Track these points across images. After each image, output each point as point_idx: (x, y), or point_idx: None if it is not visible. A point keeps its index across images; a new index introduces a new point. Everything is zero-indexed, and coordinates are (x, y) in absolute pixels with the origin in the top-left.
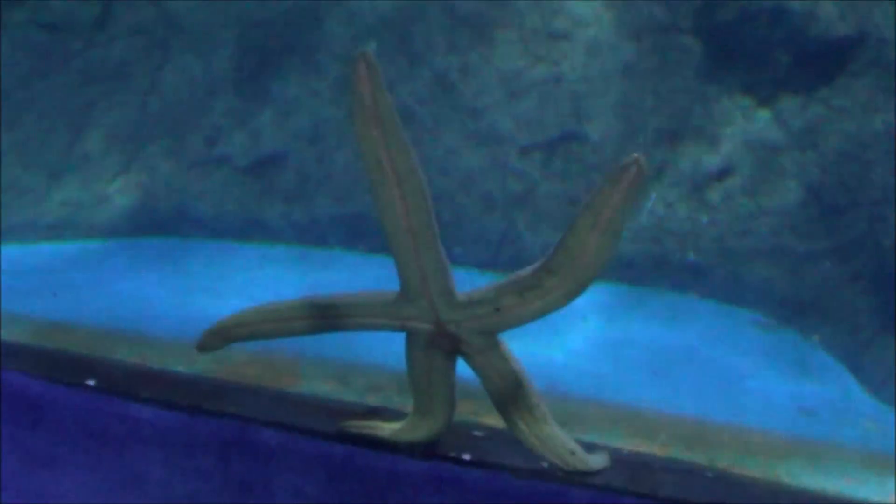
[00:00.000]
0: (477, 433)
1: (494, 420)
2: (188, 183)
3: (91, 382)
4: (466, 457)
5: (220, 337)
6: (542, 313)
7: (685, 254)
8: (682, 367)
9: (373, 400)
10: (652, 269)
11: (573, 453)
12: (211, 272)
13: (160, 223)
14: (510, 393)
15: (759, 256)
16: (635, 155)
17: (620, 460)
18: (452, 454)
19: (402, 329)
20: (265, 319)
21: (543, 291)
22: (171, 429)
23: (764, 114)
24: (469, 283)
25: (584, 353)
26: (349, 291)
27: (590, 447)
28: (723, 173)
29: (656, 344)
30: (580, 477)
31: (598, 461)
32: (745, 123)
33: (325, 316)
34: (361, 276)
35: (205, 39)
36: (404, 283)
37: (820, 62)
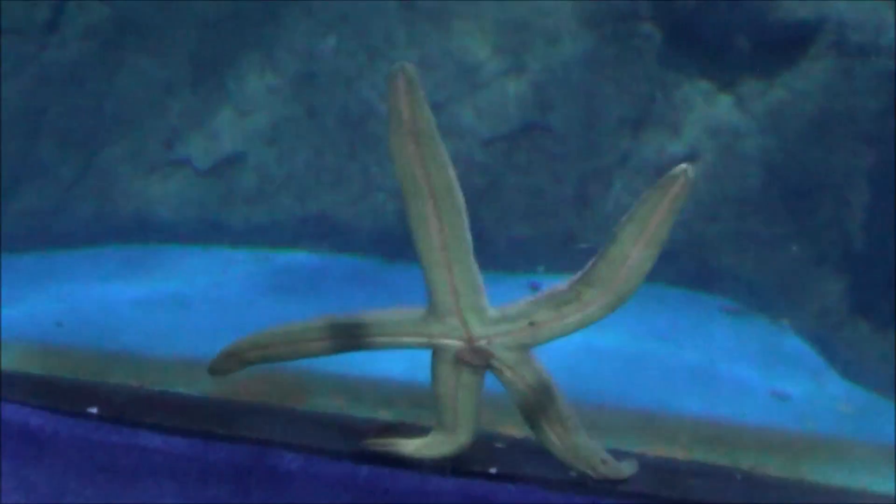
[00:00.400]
0: (499, 445)
1: (514, 429)
2: (147, 187)
3: (93, 410)
4: (493, 470)
5: (234, 360)
6: (579, 327)
7: None
8: (653, 357)
9: (386, 414)
10: None
11: (605, 462)
12: (175, 278)
13: (120, 230)
14: (540, 405)
15: (726, 242)
16: (683, 165)
17: (647, 466)
18: (478, 468)
19: (429, 346)
20: (282, 341)
21: (582, 305)
22: (183, 457)
23: (726, 99)
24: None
25: (553, 346)
26: (372, 309)
27: (617, 454)
28: (686, 160)
29: (626, 334)
30: (611, 485)
31: (627, 468)
32: (707, 109)
33: (348, 335)
34: (327, 276)
35: (160, 39)
36: (434, 300)
37: (780, 46)
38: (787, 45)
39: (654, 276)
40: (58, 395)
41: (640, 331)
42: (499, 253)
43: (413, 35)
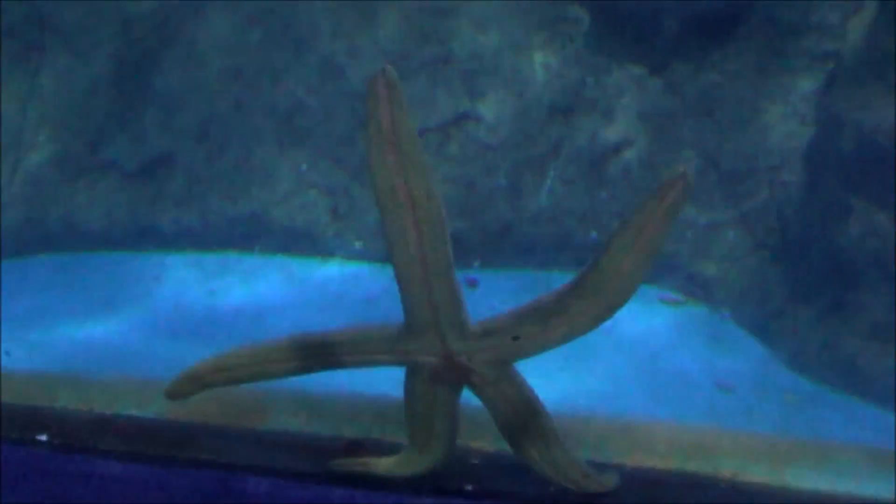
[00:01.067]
0: (473, 461)
1: (486, 444)
2: (75, 192)
3: (43, 437)
4: (469, 487)
5: (194, 383)
6: (566, 340)
7: (587, 232)
8: (595, 350)
9: (349, 431)
10: (555, 251)
11: (587, 476)
12: (107, 287)
13: (49, 238)
14: (521, 421)
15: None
16: (681, 169)
17: (627, 476)
18: (454, 486)
19: (404, 364)
20: (247, 363)
21: (569, 317)
22: (144, 485)
23: (657, 83)
24: (372, 279)
25: None
26: (341, 327)
27: (598, 466)
28: (619, 146)
29: None
30: (594, 499)
31: (609, 481)
32: (638, 93)
33: (317, 355)
34: (260, 280)
35: (82, 38)
36: (411, 317)
37: (710, 27)
38: (717, 25)
39: None
40: (2, 422)
41: None
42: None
43: (339, 26)
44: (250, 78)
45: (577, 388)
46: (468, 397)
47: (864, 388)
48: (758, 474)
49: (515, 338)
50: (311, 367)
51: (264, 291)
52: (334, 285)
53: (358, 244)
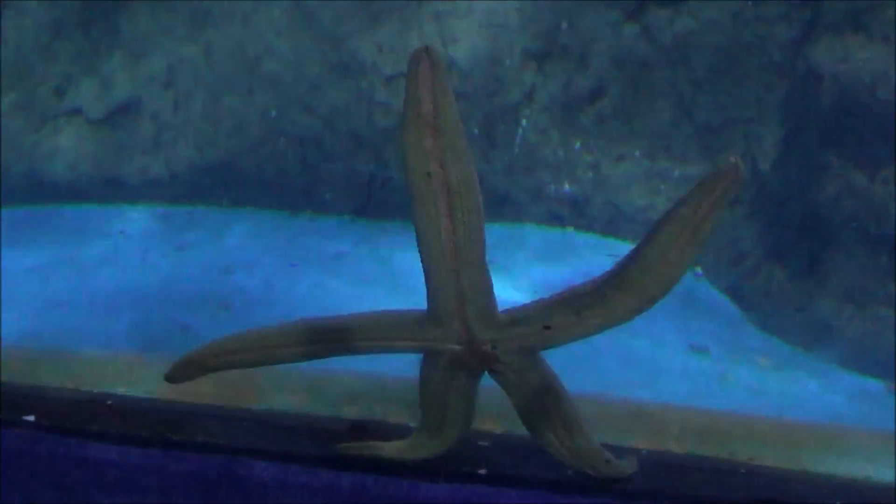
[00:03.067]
0: (482, 443)
1: (494, 425)
2: (40, 142)
3: (31, 418)
4: (482, 472)
5: (195, 367)
6: (600, 330)
7: (561, 184)
8: None
9: (351, 411)
10: (528, 204)
11: (608, 462)
12: (71, 242)
13: (12, 190)
14: (544, 409)
15: (635, 183)
16: (732, 159)
17: (646, 462)
18: (467, 470)
19: (424, 351)
20: (251, 348)
21: (607, 309)
22: (141, 470)
23: (632, 28)
24: (342, 232)
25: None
26: (357, 313)
27: (615, 450)
28: (594, 95)
29: (538, 285)
30: (616, 484)
31: (629, 466)
32: (613, 40)
33: (329, 341)
34: (230, 233)
35: None
36: (435, 304)
37: None
38: None
39: (563, 222)
40: None
41: (551, 280)
42: (405, 198)
43: None
44: (219, 21)
45: (550, 353)
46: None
47: (838, 352)
48: (774, 459)
49: (546, 327)
50: (323, 352)
51: (233, 245)
52: (304, 239)
53: (328, 195)
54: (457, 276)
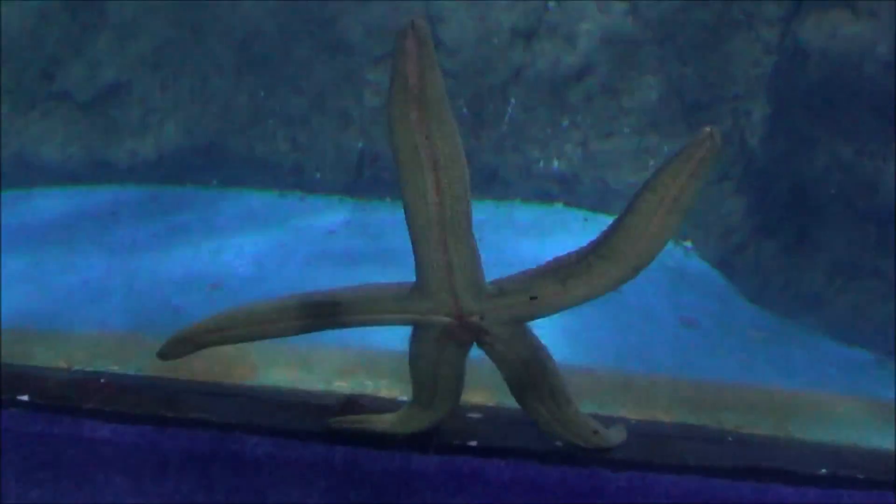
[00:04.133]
0: (473, 415)
1: (482, 397)
2: (29, 125)
3: (24, 398)
4: (473, 443)
5: (188, 344)
6: (585, 300)
7: (549, 161)
8: None
9: (343, 386)
10: (517, 181)
11: (595, 432)
12: (61, 224)
13: (1, 174)
14: (532, 380)
15: (624, 159)
16: (708, 128)
17: (634, 431)
18: (458, 442)
19: (413, 323)
20: (243, 323)
21: (591, 277)
22: (135, 447)
23: (620, 6)
24: (331, 210)
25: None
26: (348, 286)
27: (603, 420)
28: (581, 73)
29: (528, 261)
30: (603, 454)
31: (617, 436)
32: (600, 18)
33: (320, 315)
34: (220, 213)
35: None
36: (424, 277)
37: None
38: None
39: (552, 198)
40: None
41: (541, 256)
42: (395, 177)
43: None
44: (206, 2)
45: (542, 324)
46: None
47: (828, 324)
48: (761, 426)
49: (532, 297)
50: (315, 326)
51: (223, 226)
52: (294, 218)
53: (318, 175)
54: (444, 247)
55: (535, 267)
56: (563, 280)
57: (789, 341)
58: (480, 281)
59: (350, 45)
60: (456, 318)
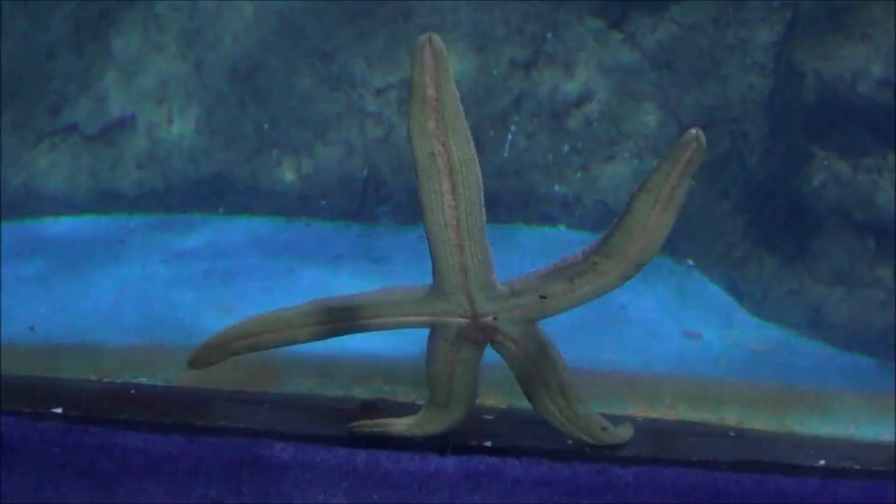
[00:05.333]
0: (487, 417)
1: (496, 399)
2: (36, 158)
3: (58, 410)
4: (488, 444)
5: (218, 351)
6: (593, 297)
7: (551, 186)
8: None
9: (361, 392)
10: (519, 206)
11: (604, 429)
12: (71, 253)
13: (11, 204)
14: (542, 377)
15: (624, 182)
16: (693, 131)
17: (640, 429)
18: (474, 443)
19: (430, 325)
20: (271, 329)
21: (597, 275)
22: (166, 455)
23: (616, 36)
24: (338, 236)
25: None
26: (366, 291)
27: (611, 419)
28: (581, 100)
29: None
30: (612, 451)
31: (625, 433)
32: (598, 47)
33: (342, 319)
34: (226, 238)
35: (38, 1)
36: (441, 279)
37: None
38: None
39: (555, 222)
40: (15, 397)
41: None
42: (399, 204)
43: None
44: (209, 38)
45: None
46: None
47: (829, 334)
48: (761, 422)
49: (542, 297)
50: (336, 330)
51: (231, 252)
52: (301, 245)
53: (323, 202)
54: (460, 250)
55: (543, 268)
56: (570, 279)
57: (792, 351)
58: (493, 282)
59: (352, 78)
60: (470, 318)
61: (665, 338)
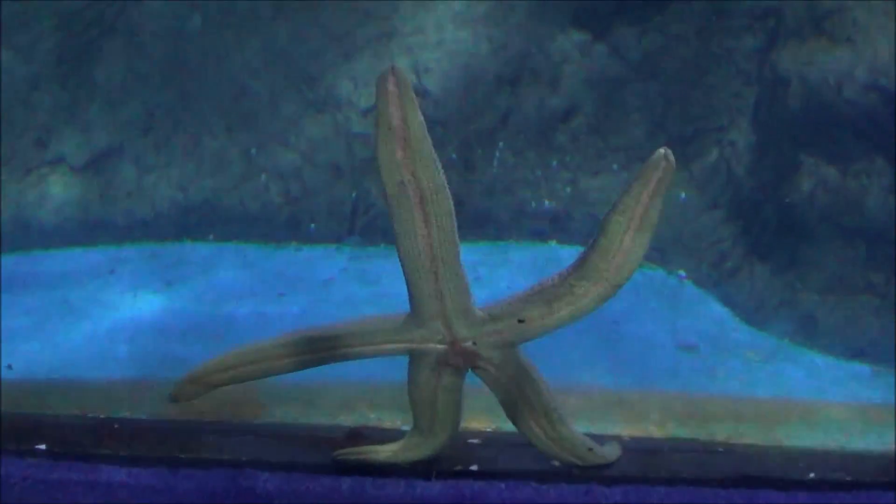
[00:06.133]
0: (473, 441)
1: (482, 423)
2: (25, 190)
3: (42, 447)
4: (474, 468)
5: (198, 385)
6: (572, 320)
7: (541, 201)
8: None
9: (346, 419)
10: (510, 221)
11: (590, 450)
12: (62, 285)
13: (1, 237)
14: (525, 400)
15: (614, 195)
16: (662, 150)
17: (628, 448)
18: (460, 468)
19: (409, 353)
20: (250, 361)
21: (574, 298)
22: (151, 489)
23: (601, 48)
24: (327, 260)
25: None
26: (344, 320)
27: (598, 438)
28: (567, 114)
29: None
30: (598, 471)
31: (611, 452)
32: (582, 60)
33: (322, 349)
34: (218, 266)
35: (21, 34)
36: (418, 306)
37: None
38: None
39: (545, 237)
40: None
41: None
42: (388, 225)
43: (280, 7)
44: (193, 65)
45: (540, 359)
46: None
47: (823, 341)
48: (751, 436)
49: (521, 321)
50: (316, 361)
51: (222, 279)
52: (291, 269)
53: (312, 226)
54: (435, 276)
55: (521, 291)
56: (548, 302)
57: (787, 359)
58: (471, 308)
59: (337, 100)
60: (450, 344)
61: (660, 350)
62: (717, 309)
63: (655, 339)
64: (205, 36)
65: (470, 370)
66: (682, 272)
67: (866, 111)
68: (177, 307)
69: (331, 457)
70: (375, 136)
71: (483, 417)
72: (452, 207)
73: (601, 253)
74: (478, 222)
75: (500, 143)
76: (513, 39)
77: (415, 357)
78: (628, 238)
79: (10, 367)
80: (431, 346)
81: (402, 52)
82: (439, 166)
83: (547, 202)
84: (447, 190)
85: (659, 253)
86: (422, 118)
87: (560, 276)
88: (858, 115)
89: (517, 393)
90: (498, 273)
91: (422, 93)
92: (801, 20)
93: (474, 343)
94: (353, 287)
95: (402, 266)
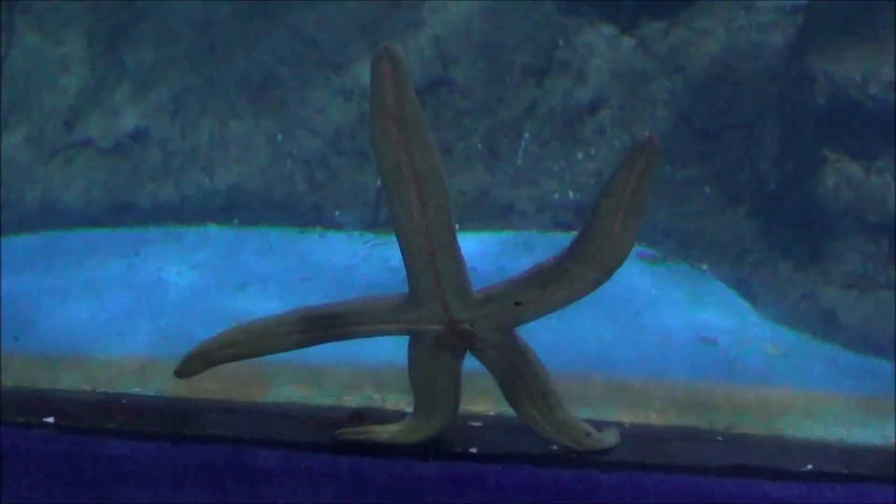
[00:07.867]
0: (474, 423)
1: (484, 406)
2: (51, 172)
3: (50, 420)
4: (473, 450)
5: (202, 361)
6: (566, 303)
7: (565, 193)
8: (577, 309)
9: (351, 400)
10: (534, 212)
11: (588, 434)
12: (86, 265)
13: (26, 218)
14: (523, 383)
15: None
16: (647, 134)
17: (627, 434)
18: (459, 450)
19: (408, 333)
20: (254, 338)
21: (569, 281)
22: (153, 463)
23: (628, 42)
24: (350, 246)
25: None
26: (347, 299)
27: (596, 424)
28: (593, 106)
29: None
30: (596, 456)
31: (610, 438)
32: (610, 53)
33: (323, 327)
34: (242, 250)
35: (51, 16)
36: (415, 287)
37: None
38: None
39: (569, 228)
40: (7, 406)
41: None
42: None
43: None
44: (221, 51)
45: (562, 349)
46: (467, 363)
47: (844, 337)
48: (751, 426)
49: (517, 303)
50: (317, 339)
51: (245, 262)
52: (314, 255)
53: (336, 213)
54: (432, 257)
55: (517, 274)
56: (543, 285)
57: (807, 355)
58: (467, 289)
59: (364, 89)
60: (447, 325)
61: (681, 343)
62: (739, 303)
63: (675, 331)
64: (233, 22)
65: (469, 352)
66: (704, 266)
67: (891, 108)
68: (201, 289)
69: (332, 437)
70: (370, 117)
71: (486, 400)
72: (446, 188)
73: (593, 236)
74: (502, 212)
75: (526, 134)
76: (540, 31)
77: (413, 338)
78: (619, 221)
79: (15, 338)
80: (429, 326)
81: (429, 43)
82: (434, 146)
83: (571, 193)
84: (442, 170)
85: (682, 246)
86: (416, 98)
87: (555, 258)
88: (883, 112)
89: (515, 376)
90: (521, 262)
91: (448, 83)
92: (829, 17)
93: (471, 324)
94: (375, 273)
95: (400, 246)
